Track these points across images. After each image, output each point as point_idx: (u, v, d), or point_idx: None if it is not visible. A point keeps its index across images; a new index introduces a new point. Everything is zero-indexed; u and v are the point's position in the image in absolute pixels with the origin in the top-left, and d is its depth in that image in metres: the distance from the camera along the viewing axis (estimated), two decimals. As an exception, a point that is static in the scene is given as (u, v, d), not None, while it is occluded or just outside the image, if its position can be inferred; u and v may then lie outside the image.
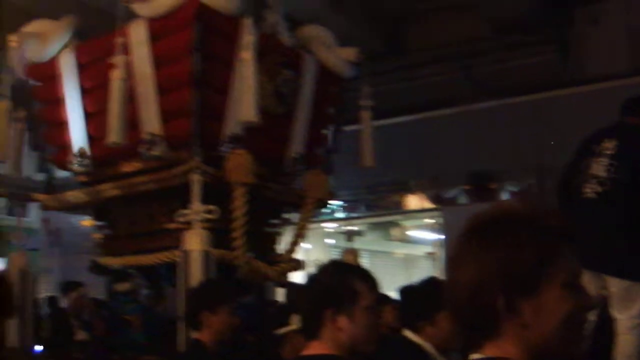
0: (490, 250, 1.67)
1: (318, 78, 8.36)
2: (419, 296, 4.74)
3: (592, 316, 5.34)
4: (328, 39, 8.77)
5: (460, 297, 1.70)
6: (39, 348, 8.73)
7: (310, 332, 2.94)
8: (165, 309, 9.88)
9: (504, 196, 14.49)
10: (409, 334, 4.79)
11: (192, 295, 5.00)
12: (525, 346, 1.66)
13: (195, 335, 4.83)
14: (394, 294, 7.76)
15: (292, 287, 9.40)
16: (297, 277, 8.76)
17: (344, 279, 2.99)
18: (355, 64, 8.79)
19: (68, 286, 9.54)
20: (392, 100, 13.48)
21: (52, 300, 13.67)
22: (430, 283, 4.61)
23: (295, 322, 5.26)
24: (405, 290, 5.61)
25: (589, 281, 5.45)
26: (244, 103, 6.36)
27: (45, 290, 18.23)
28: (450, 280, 1.76)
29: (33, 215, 19.15)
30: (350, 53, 8.72)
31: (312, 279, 3.06)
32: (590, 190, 6.19)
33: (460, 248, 1.76)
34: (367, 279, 3.05)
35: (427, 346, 4.56)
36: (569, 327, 1.67)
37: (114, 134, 6.50)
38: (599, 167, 6.18)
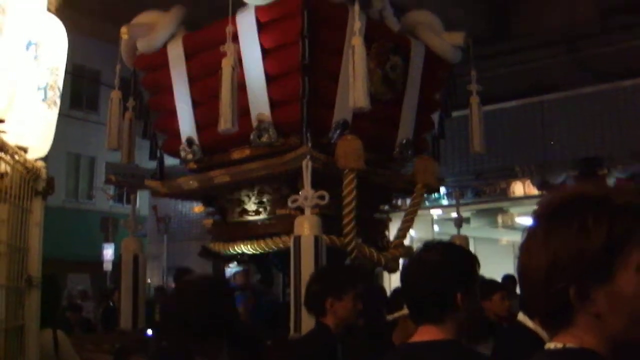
0: (558, 235, 1.55)
1: (426, 63, 8.30)
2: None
3: None
4: (435, 24, 8.69)
5: (532, 284, 1.61)
6: (150, 332, 8.90)
7: (430, 316, 2.88)
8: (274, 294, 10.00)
9: (612, 182, 14.15)
10: (524, 319, 4.74)
11: (316, 281, 4.93)
12: (601, 336, 1.54)
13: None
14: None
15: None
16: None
17: (469, 260, 2.95)
18: (463, 49, 8.68)
19: (179, 273, 9.75)
20: (498, 85, 13.28)
21: (159, 289, 14.10)
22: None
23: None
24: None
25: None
26: (355, 89, 6.34)
27: (152, 275, 18.78)
28: (521, 267, 1.65)
29: (142, 203, 19.69)
30: (457, 38, 8.61)
31: (432, 261, 2.97)
32: None
33: (529, 234, 1.65)
34: (477, 260, 3.02)
35: (541, 331, 4.50)
36: None
37: (226, 121, 6.55)
38: None
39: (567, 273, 1.52)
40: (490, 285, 6.58)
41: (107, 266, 21.54)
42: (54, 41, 4.16)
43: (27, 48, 3.74)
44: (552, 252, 1.55)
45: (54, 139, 4.32)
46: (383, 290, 9.86)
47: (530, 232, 1.65)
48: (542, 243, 1.58)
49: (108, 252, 21.93)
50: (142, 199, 20.24)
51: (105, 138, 8.63)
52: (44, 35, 3.97)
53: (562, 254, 1.53)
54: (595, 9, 15.27)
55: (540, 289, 1.57)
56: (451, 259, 2.89)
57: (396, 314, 5.73)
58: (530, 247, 1.62)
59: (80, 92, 26.11)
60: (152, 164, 9.14)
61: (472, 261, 2.96)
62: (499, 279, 9.27)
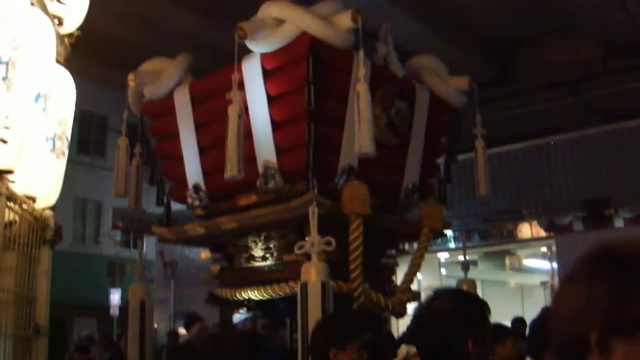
0: (597, 281, 1.55)
1: (431, 108, 8.35)
2: (538, 326, 4.68)
3: None
4: (439, 68, 8.74)
5: (559, 323, 1.61)
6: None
7: None
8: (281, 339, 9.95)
9: (619, 223, 14.13)
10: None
11: (320, 330, 4.88)
12: None
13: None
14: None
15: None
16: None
17: (480, 308, 2.97)
18: (467, 93, 8.71)
19: (190, 320, 9.80)
20: (503, 128, 13.32)
21: (171, 334, 14.09)
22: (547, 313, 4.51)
23: (404, 353, 5.19)
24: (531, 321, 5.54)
25: None
26: (360, 135, 6.38)
27: (159, 320, 18.72)
28: (554, 305, 1.68)
29: (148, 248, 19.70)
30: (462, 82, 8.65)
31: (442, 309, 2.98)
32: None
33: (570, 274, 1.65)
34: (487, 306, 3.03)
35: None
36: None
37: (232, 168, 6.57)
38: None
39: (593, 318, 1.51)
40: (503, 330, 6.57)
41: (114, 311, 21.48)
42: (62, 92, 4.22)
43: (36, 100, 3.79)
44: (587, 295, 1.55)
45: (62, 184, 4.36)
46: (391, 335, 9.83)
47: (573, 272, 1.65)
48: (580, 285, 1.58)
49: (115, 297, 21.90)
50: (149, 244, 20.28)
51: (113, 185, 8.64)
52: (53, 87, 4.02)
53: (596, 300, 1.53)
54: (598, 50, 15.35)
55: (564, 326, 1.58)
56: (461, 307, 2.91)
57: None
58: (568, 286, 1.63)
59: (87, 138, 26.22)
60: (159, 210, 9.14)
61: (483, 308, 2.98)
62: (508, 322, 9.24)
